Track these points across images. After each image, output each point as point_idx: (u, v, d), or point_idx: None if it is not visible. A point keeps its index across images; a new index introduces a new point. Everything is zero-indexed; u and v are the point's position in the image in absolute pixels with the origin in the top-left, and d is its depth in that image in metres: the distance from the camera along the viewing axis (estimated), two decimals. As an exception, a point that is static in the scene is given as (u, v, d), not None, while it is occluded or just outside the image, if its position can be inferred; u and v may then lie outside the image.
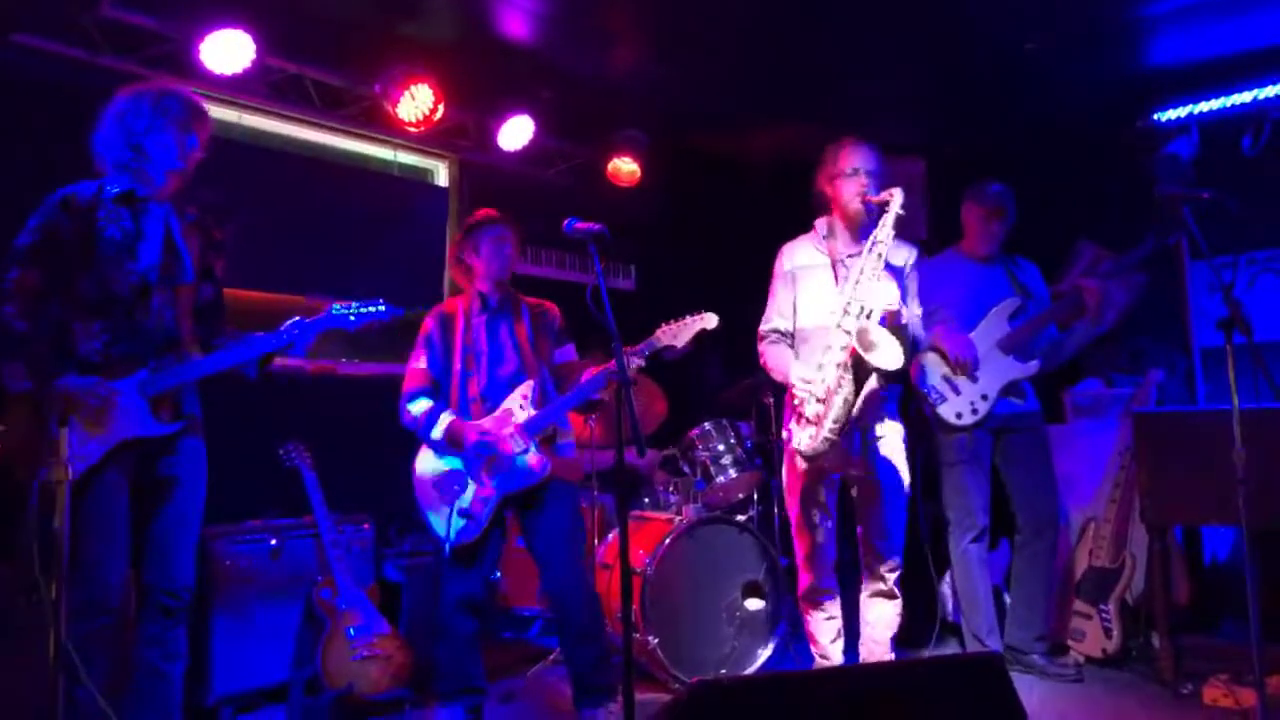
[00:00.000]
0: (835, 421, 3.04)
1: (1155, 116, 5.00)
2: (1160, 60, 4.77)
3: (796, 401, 3.20)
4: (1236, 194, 3.22)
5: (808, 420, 3.13)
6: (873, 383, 3.01)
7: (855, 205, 3.24)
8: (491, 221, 3.49)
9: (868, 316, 3.05)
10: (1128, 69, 4.86)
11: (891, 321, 3.07)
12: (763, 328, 3.46)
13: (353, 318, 2.93)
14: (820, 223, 3.42)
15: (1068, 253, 4.32)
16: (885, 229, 3.11)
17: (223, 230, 2.94)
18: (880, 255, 3.10)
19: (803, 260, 3.39)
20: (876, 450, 3.27)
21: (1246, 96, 4.78)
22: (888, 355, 2.94)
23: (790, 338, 3.39)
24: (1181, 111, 4.95)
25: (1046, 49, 4.52)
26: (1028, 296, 4.02)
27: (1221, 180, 3.83)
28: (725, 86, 5.06)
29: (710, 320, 3.27)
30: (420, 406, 3.40)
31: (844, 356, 3.01)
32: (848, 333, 3.03)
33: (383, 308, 2.96)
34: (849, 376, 3.02)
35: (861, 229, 3.27)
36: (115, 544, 2.62)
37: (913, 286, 3.34)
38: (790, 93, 5.09)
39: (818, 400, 3.10)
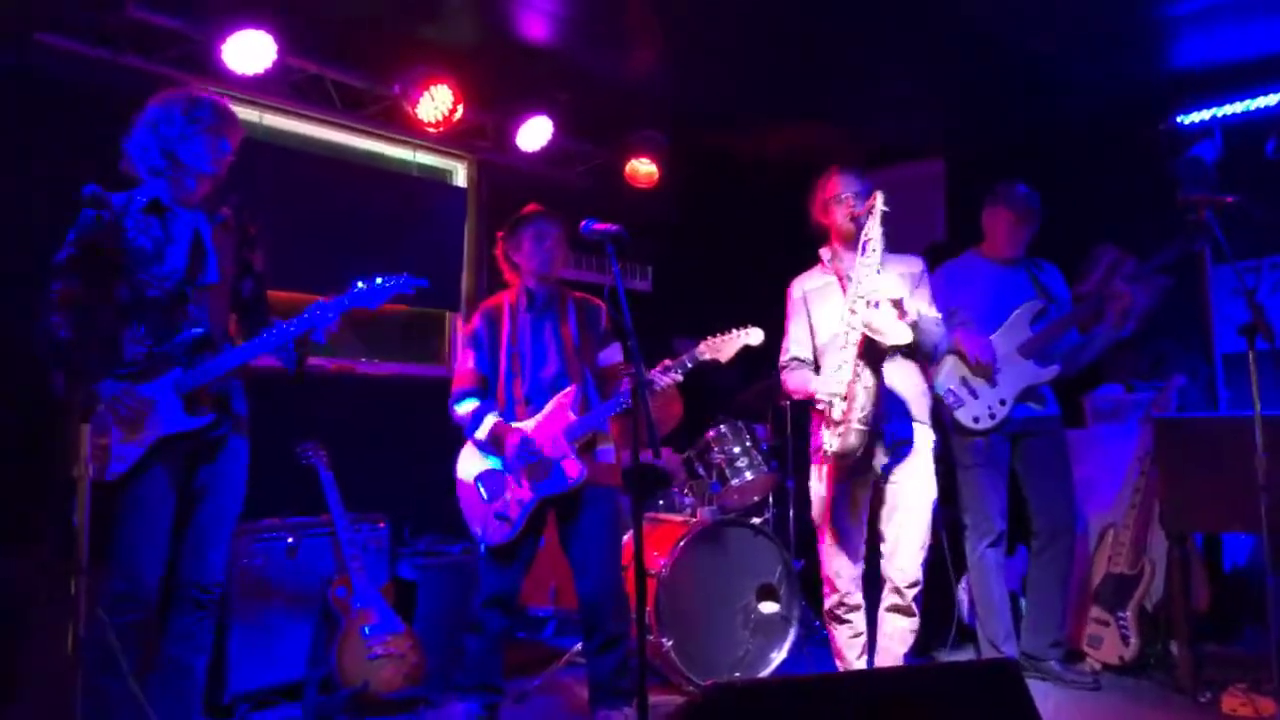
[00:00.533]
0: (862, 410, 3.07)
1: (1178, 119, 4.96)
2: (1183, 62, 4.73)
3: (821, 408, 3.22)
4: (1260, 198, 3.20)
5: (834, 422, 3.14)
6: (891, 369, 3.08)
7: (847, 225, 3.34)
8: (533, 217, 3.47)
9: (875, 306, 3.08)
10: (1150, 71, 4.82)
11: (899, 312, 3.09)
12: (782, 359, 3.50)
13: (374, 293, 2.90)
14: (824, 252, 3.50)
15: (1087, 256, 4.28)
16: (873, 226, 3.17)
17: (257, 225, 2.99)
18: (874, 250, 3.15)
19: (812, 285, 3.48)
20: (904, 456, 3.29)
21: (1271, 99, 4.74)
22: (896, 331, 3.01)
23: (811, 363, 3.44)
24: (1205, 114, 4.91)
25: (1069, 50, 4.49)
26: (1050, 300, 3.99)
27: (1245, 184, 3.81)
28: (743, 88, 5.05)
29: (755, 336, 3.28)
30: (467, 407, 3.42)
31: (857, 349, 3.06)
32: (853, 328, 3.09)
33: (404, 278, 2.94)
34: (865, 365, 3.06)
35: (857, 243, 3.29)
36: (155, 541, 2.69)
37: (925, 292, 3.36)
38: (809, 94, 5.08)
39: (842, 399, 3.11)
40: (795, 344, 3.47)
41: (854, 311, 3.12)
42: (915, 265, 3.41)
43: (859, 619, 3.42)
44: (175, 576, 2.78)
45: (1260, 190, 3.38)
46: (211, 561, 2.81)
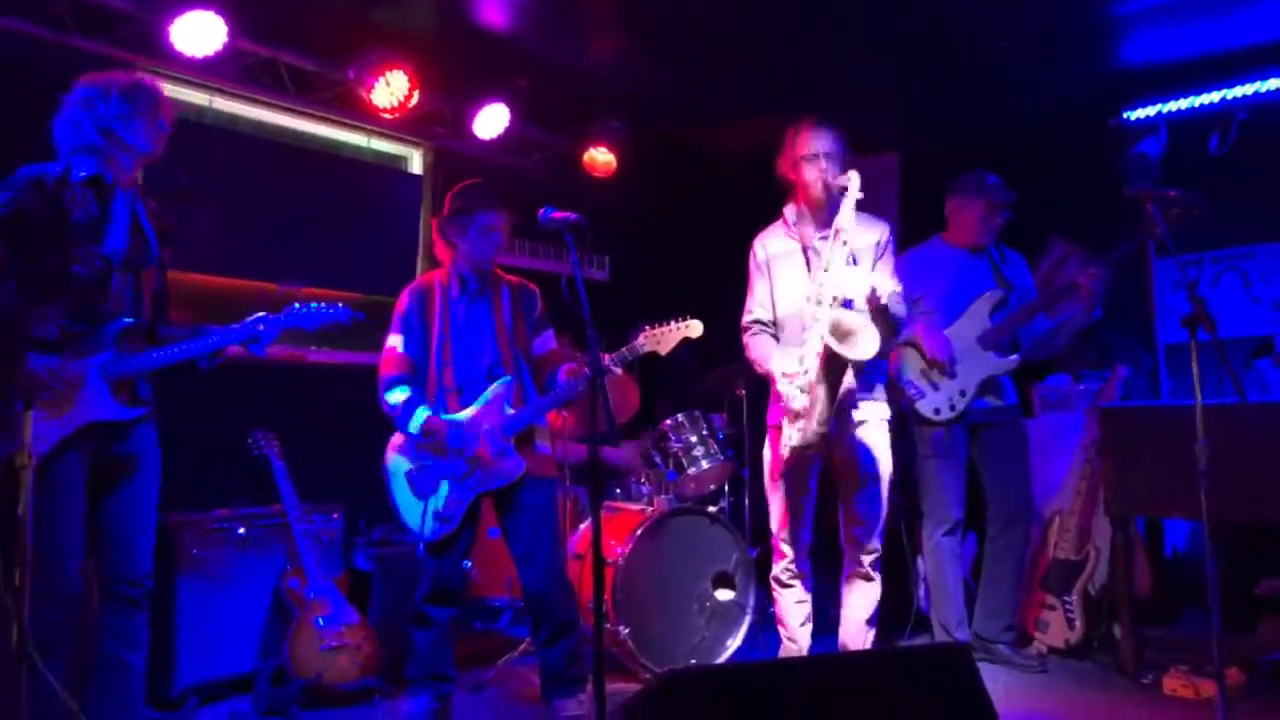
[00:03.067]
0: (822, 415, 3.05)
1: (1125, 115, 5.07)
2: (1130, 60, 4.83)
3: (783, 400, 3.19)
4: (1203, 193, 3.27)
5: (795, 414, 3.13)
6: (850, 378, 3.05)
7: (817, 190, 3.24)
8: (482, 207, 3.35)
9: (844, 305, 3.05)
10: (1099, 68, 4.92)
11: (873, 305, 3.07)
12: (745, 319, 3.46)
13: (313, 318, 2.94)
14: (789, 209, 3.41)
15: (1039, 249, 4.37)
16: (845, 214, 3.11)
17: (173, 220, 2.93)
18: (845, 243, 3.10)
19: (775, 249, 3.39)
20: (857, 435, 3.29)
21: (1214, 96, 4.86)
22: (863, 345, 2.95)
23: (772, 326, 3.40)
24: (1151, 111, 5.02)
25: (1018, 47, 4.56)
26: (1010, 289, 4.02)
27: (1188, 179, 3.89)
28: (703, 80, 5.06)
29: (695, 329, 3.27)
30: (398, 396, 3.33)
31: (821, 348, 3.00)
32: (821, 334, 2.99)
33: (342, 309, 2.98)
34: (827, 370, 3.01)
35: (826, 212, 3.26)
36: (73, 530, 2.59)
37: (889, 262, 3.32)
38: (767, 87, 5.10)
39: (802, 392, 3.10)
40: (758, 306, 3.42)
41: (820, 302, 3.08)
42: (883, 231, 3.31)
43: (803, 585, 3.45)
44: (101, 573, 2.71)
45: (1203, 185, 3.45)
46: (137, 554, 2.73)
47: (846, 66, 4.85)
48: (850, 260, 3.13)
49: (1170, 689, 3.57)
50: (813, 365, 3.05)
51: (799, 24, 4.38)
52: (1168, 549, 4.71)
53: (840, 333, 2.96)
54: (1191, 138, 4.88)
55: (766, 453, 3.42)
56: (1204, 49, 4.67)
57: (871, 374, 3.31)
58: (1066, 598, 4.12)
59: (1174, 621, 4.36)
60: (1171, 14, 4.30)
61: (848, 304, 3.08)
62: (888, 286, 3.16)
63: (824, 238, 3.23)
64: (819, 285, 3.12)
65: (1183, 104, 4.94)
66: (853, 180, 3.11)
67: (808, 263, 3.30)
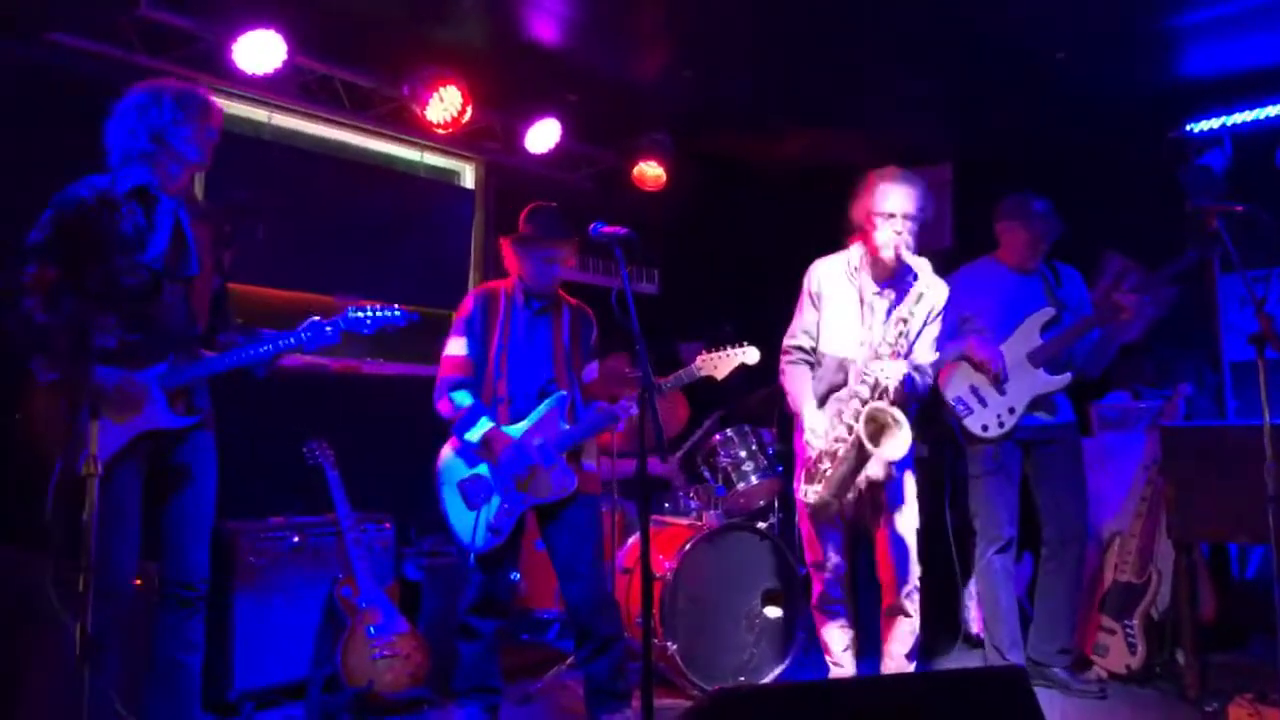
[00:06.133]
0: (837, 486, 3.16)
1: (1188, 127, 4.95)
2: (1193, 71, 4.72)
3: (808, 454, 3.25)
4: (1269, 207, 3.18)
5: (813, 473, 3.21)
6: (875, 466, 3.17)
7: (888, 254, 3.20)
8: (546, 238, 3.35)
9: (881, 395, 3.07)
10: (1160, 79, 4.81)
11: (900, 394, 3.11)
12: (787, 342, 3.48)
13: (369, 322, 2.96)
14: (854, 251, 3.37)
15: (1095, 263, 4.28)
16: (909, 305, 3.12)
17: (232, 224, 2.97)
18: (902, 334, 3.12)
19: (830, 287, 3.37)
20: (890, 499, 3.33)
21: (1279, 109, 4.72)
22: (894, 446, 3.04)
23: (812, 354, 3.42)
24: (1214, 123, 4.89)
25: (1078, 57, 4.49)
26: (1062, 308, 3.96)
27: (1254, 193, 3.79)
28: (752, 91, 5.05)
29: (752, 355, 3.32)
30: (462, 400, 3.34)
31: (855, 433, 3.06)
32: (855, 416, 3.06)
33: (398, 313, 3.01)
34: (855, 454, 3.10)
35: (889, 274, 3.28)
36: (128, 533, 2.66)
37: (936, 328, 3.33)
38: (817, 98, 5.08)
39: (826, 455, 3.17)
40: (803, 333, 3.43)
41: (864, 381, 3.11)
42: (943, 297, 3.28)
43: (842, 613, 3.46)
44: (159, 576, 2.78)
45: (1268, 199, 3.36)
46: (191, 557, 2.79)
47: (900, 77, 4.80)
48: (901, 334, 3.15)
49: (1235, 718, 3.45)
50: (840, 447, 3.11)
51: (851, 33, 4.35)
52: (1234, 572, 4.57)
53: (876, 425, 3.04)
54: (1257, 150, 4.75)
55: (796, 486, 3.43)
56: (1269, 60, 4.54)
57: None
58: (1128, 622, 4.02)
59: (1240, 647, 4.22)
60: (1235, 24, 4.19)
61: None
62: (927, 357, 3.27)
63: (879, 294, 3.28)
64: (868, 361, 3.14)
65: (1247, 116, 4.81)
66: (924, 272, 3.09)
67: (860, 315, 3.30)
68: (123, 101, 2.79)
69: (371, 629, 3.69)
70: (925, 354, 3.29)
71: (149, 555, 2.76)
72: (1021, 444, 3.91)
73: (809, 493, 3.23)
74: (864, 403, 3.08)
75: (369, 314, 2.96)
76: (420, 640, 3.77)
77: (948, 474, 3.35)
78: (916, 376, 3.20)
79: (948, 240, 5.61)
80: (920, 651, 3.46)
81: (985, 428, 3.86)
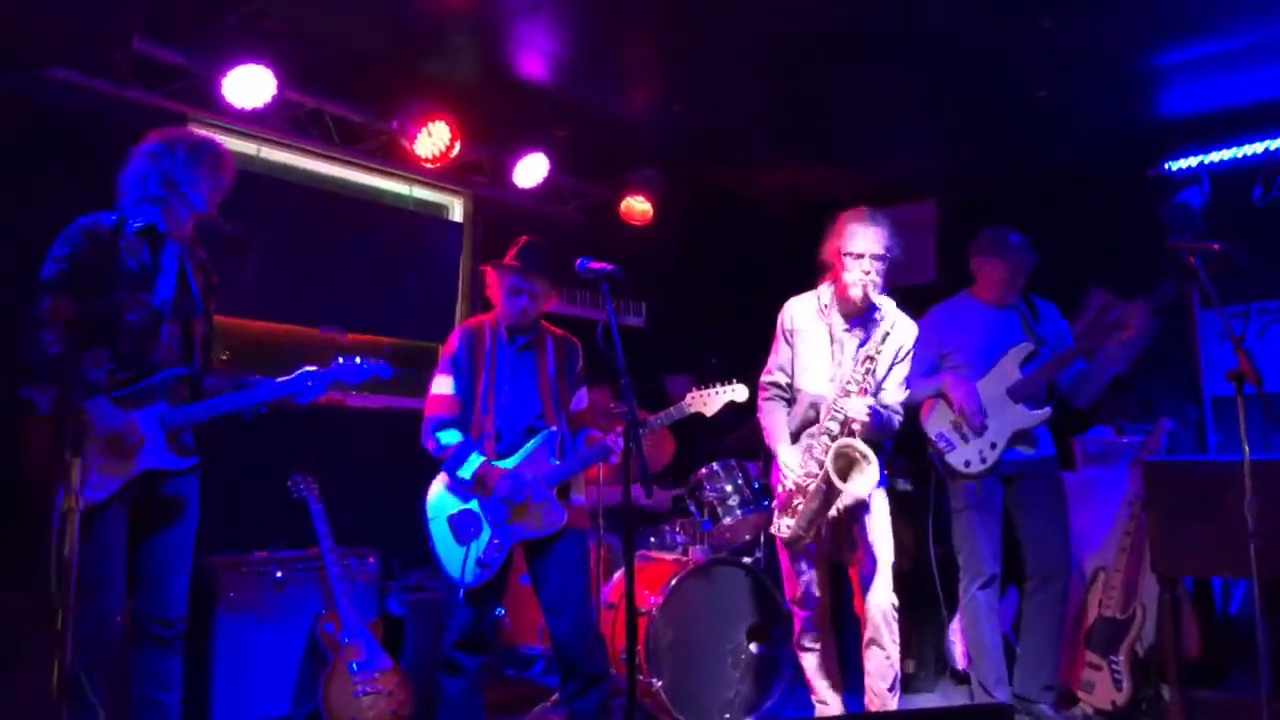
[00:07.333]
0: (808, 521, 3.23)
1: (1166, 165, 5.02)
2: (1172, 110, 4.80)
3: (781, 487, 3.33)
4: (1247, 244, 3.23)
5: (786, 507, 3.28)
6: (845, 499, 3.22)
7: (856, 292, 3.28)
8: (516, 273, 3.35)
9: (851, 432, 3.15)
10: (1140, 118, 4.89)
11: (868, 430, 3.18)
12: (764, 379, 3.56)
13: (356, 370, 3.07)
14: (823, 289, 3.47)
15: (1077, 300, 4.32)
16: (875, 343, 3.21)
17: (220, 274, 3.05)
18: (869, 371, 3.21)
19: (802, 324, 3.47)
20: (864, 534, 3.37)
21: (1258, 147, 4.80)
22: (860, 483, 3.11)
23: (788, 391, 3.49)
24: (1193, 161, 4.97)
25: (1058, 96, 4.56)
26: (1040, 342, 3.98)
27: (1232, 230, 3.85)
28: (739, 127, 5.11)
29: (740, 393, 3.35)
30: (451, 438, 3.33)
31: (824, 468, 3.13)
32: (825, 452, 3.15)
33: (383, 365, 3.13)
34: (824, 489, 3.17)
35: (858, 312, 3.36)
36: (117, 573, 2.66)
37: (905, 368, 3.42)
38: (805, 134, 5.14)
39: (799, 490, 3.24)
40: (778, 370, 3.52)
41: (833, 416, 3.19)
42: (911, 335, 3.40)
43: (823, 648, 3.51)
44: (135, 613, 2.77)
45: (1247, 237, 3.42)
46: (173, 596, 2.80)
47: (884, 114, 4.87)
48: (868, 372, 3.23)
49: (1221, 755, 3.45)
50: (811, 483, 3.19)
51: (836, 71, 4.41)
52: (1217, 608, 4.57)
53: (845, 461, 3.11)
54: (1234, 188, 4.82)
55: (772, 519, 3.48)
56: (1246, 99, 4.63)
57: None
58: (1113, 658, 4.01)
59: (1223, 683, 4.21)
60: (1213, 64, 4.28)
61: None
62: (896, 397, 3.35)
63: (849, 330, 3.36)
64: (835, 397, 3.23)
65: (1225, 154, 4.89)
66: (888, 310, 3.20)
67: (830, 353, 3.38)
68: (138, 148, 2.86)
69: (354, 665, 3.65)
70: (894, 394, 3.38)
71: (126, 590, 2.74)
72: (1003, 479, 3.92)
73: (782, 526, 3.30)
74: (833, 439, 3.15)
75: (356, 365, 3.06)
76: (403, 677, 3.73)
77: (931, 508, 3.36)
78: (883, 413, 3.27)
79: (930, 275, 5.65)
80: (906, 685, 3.46)
81: (968, 463, 3.88)
